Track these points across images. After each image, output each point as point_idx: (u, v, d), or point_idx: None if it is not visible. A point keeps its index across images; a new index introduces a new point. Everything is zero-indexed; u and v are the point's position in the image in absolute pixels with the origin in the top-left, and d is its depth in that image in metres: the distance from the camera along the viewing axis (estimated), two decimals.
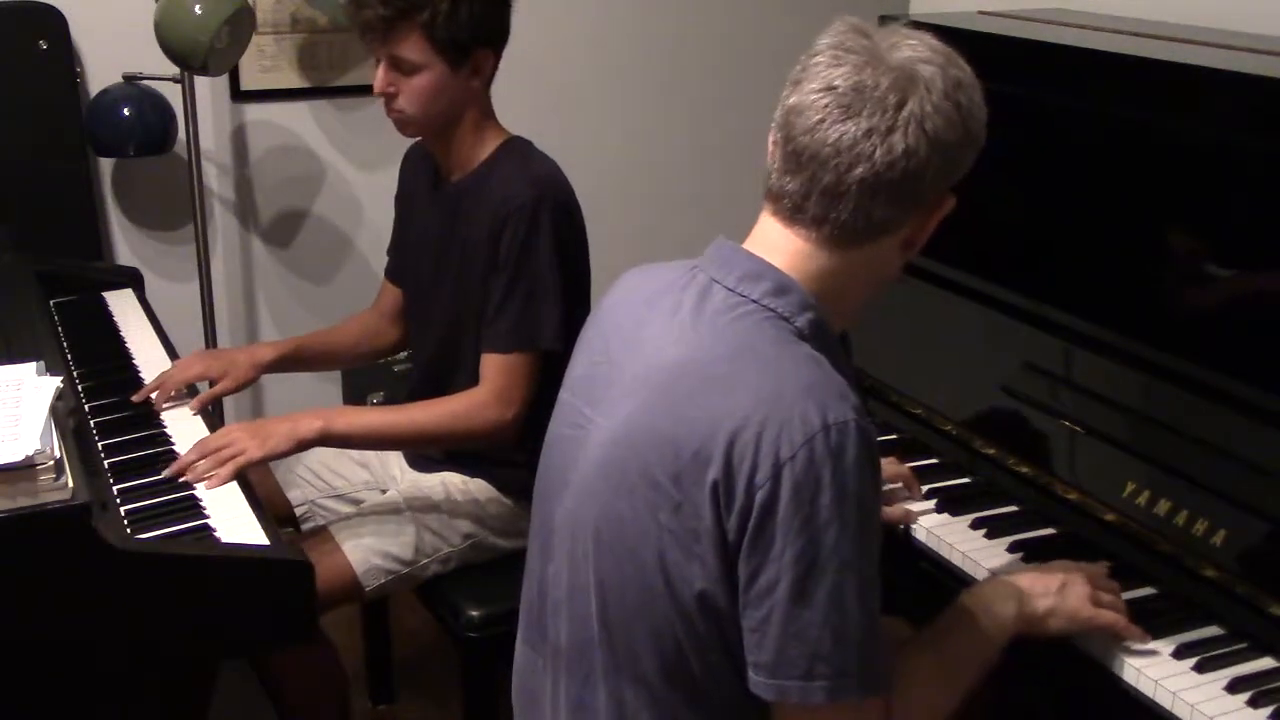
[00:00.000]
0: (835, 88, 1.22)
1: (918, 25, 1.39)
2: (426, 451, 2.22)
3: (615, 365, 1.33)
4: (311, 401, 3.04)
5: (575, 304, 2.04)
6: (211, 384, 2.20)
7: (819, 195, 1.24)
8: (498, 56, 2.03)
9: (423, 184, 2.19)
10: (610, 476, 1.28)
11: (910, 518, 1.77)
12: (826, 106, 1.22)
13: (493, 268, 2.00)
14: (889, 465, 1.80)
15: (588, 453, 1.31)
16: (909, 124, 1.21)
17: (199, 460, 1.86)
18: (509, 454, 2.09)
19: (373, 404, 2.76)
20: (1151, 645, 1.48)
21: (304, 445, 1.95)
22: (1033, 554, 1.68)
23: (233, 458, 1.86)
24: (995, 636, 1.40)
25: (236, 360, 2.22)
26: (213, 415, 2.16)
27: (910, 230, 1.29)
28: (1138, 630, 1.48)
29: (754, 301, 1.26)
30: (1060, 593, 1.45)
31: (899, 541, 1.76)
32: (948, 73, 1.24)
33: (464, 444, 2.09)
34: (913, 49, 1.24)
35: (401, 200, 2.30)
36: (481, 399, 2.00)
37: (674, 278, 1.34)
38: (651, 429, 1.24)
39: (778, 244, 1.29)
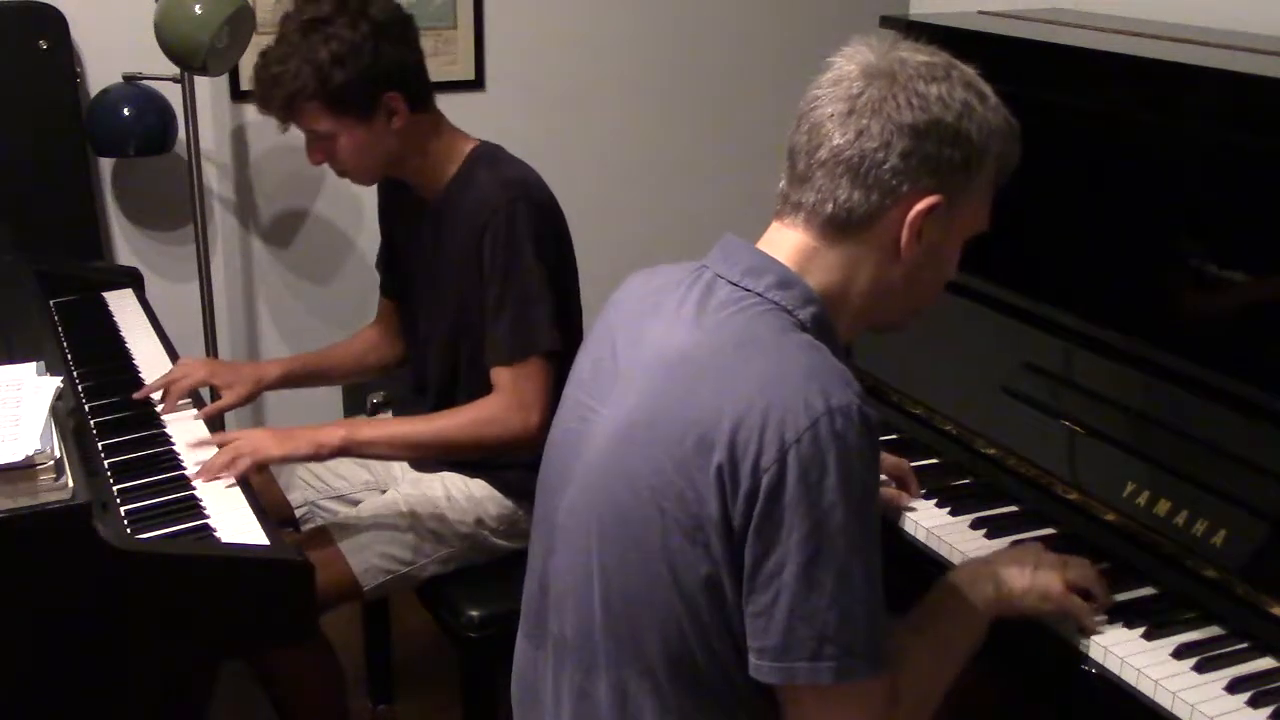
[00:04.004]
0: (819, 87, 1.28)
1: (918, 26, 1.40)
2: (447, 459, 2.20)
3: (620, 359, 1.35)
4: (310, 403, 3.03)
5: (564, 300, 2.03)
6: (213, 391, 2.20)
7: (795, 183, 1.30)
8: (411, 92, 1.97)
9: (402, 204, 2.18)
10: (614, 466, 1.29)
11: (900, 499, 1.79)
12: (808, 103, 1.29)
13: (480, 277, 1.99)
14: (887, 457, 1.80)
15: (592, 444, 1.33)
16: (867, 106, 1.24)
17: (217, 459, 1.88)
18: (509, 455, 2.09)
19: (372, 404, 2.75)
20: (1151, 645, 1.48)
21: (324, 451, 1.95)
22: None
23: (250, 453, 1.88)
24: (978, 619, 1.43)
25: (242, 374, 2.23)
26: (213, 418, 2.16)
27: (892, 226, 1.27)
28: (1097, 621, 1.50)
29: (758, 295, 1.28)
30: (1034, 572, 1.48)
31: (898, 542, 1.76)
32: (929, 70, 1.26)
33: (490, 453, 2.06)
34: (906, 52, 1.28)
35: (384, 218, 2.29)
36: (504, 406, 1.98)
37: (679, 275, 1.36)
38: (655, 417, 1.25)
39: (777, 242, 1.32)
